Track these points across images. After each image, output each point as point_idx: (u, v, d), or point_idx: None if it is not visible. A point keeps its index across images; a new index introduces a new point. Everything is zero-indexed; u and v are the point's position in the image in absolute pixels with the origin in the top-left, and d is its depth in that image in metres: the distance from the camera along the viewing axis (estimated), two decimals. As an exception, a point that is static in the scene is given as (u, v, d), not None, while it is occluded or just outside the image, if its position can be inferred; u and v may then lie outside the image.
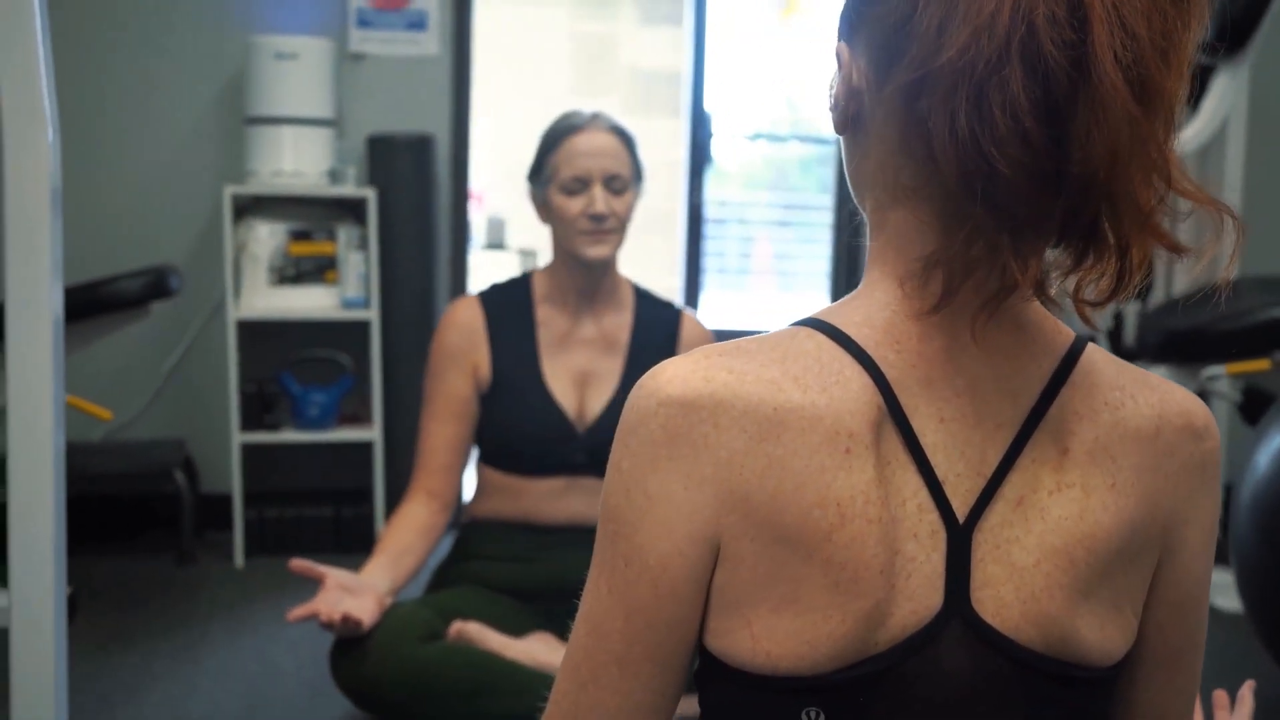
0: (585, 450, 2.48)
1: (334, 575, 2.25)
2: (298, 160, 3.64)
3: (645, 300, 2.62)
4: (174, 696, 2.60)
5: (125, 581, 3.36)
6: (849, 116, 0.94)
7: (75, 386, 3.14)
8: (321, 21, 3.85)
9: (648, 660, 0.91)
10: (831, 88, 0.96)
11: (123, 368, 3.81)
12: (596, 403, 2.51)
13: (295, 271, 3.70)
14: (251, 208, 3.77)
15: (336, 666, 2.30)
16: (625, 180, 2.47)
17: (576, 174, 2.45)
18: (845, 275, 4.47)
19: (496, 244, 6.31)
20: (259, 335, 3.78)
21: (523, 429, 2.47)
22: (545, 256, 7.13)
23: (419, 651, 2.26)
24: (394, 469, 3.80)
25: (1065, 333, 0.94)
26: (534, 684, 2.30)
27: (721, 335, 1.54)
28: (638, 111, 6.98)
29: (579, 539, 2.50)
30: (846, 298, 0.94)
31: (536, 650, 2.39)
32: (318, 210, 3.80)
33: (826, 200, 10.04)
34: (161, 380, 3.88)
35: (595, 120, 2.50)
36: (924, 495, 0.87)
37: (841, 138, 0.97)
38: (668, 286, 4.30)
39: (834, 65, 0.96)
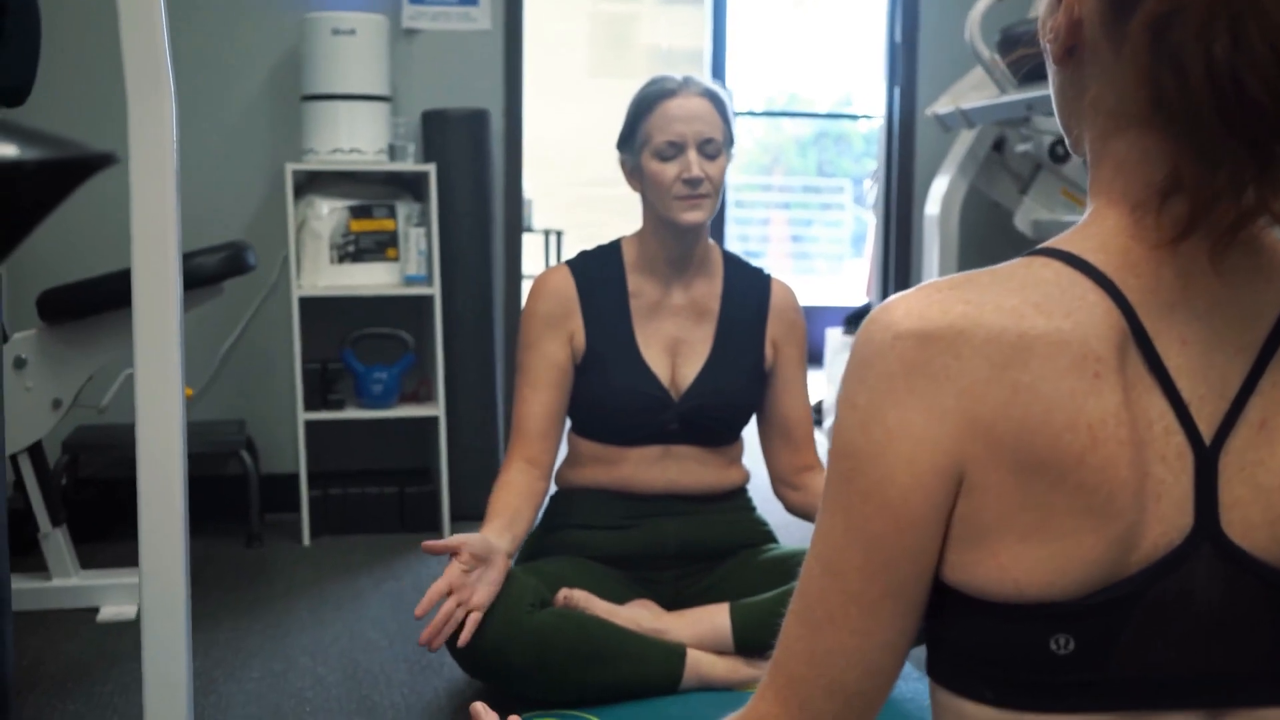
0: (679, 418, 2.48)
1: (467, 546, 2.21)
2: (355, 137, 3.63)
3: (735, 266, 2.61)
4: (275, 672, 2.59)
5: (196, 564, 3.34)
6: (1068, 49, 0.94)
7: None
8: (374, -3, 3.84)
9: (887, 597, 0.91)
10: (1048, 20, 0.95)
11: (181, 349, 3.80)
12: (689, 370, 2.51)
13: (355, 249, 3.69)
14: (306, 185, 3.75)
15: (452, 634, 2.30)
16: (719, 144, 2.46)
17: (670, 139, 2.44)
18: (895, 251, 4.46)
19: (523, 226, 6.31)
20: (317, 313, 3.77)
21: (619, 397, 2.47)
22: (571, 238, 7.13)
23: (534, 619, 2.26)
24: (457, 445, 3.80)
25: None
26: (645, 649, 2.30)
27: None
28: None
29: (675, 506, 2.51)
30: (1073, 228, 0.94)
31: (641, 616, 2.39)
32: (374, 187, 3.79)
33: (826, 182, 10.03)
34: (219, 361, 3.87)
35: (687, 84, 2.49)
36: (1170, 418, 0.88)
37: (1056, 69, 0.97)
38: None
39: None
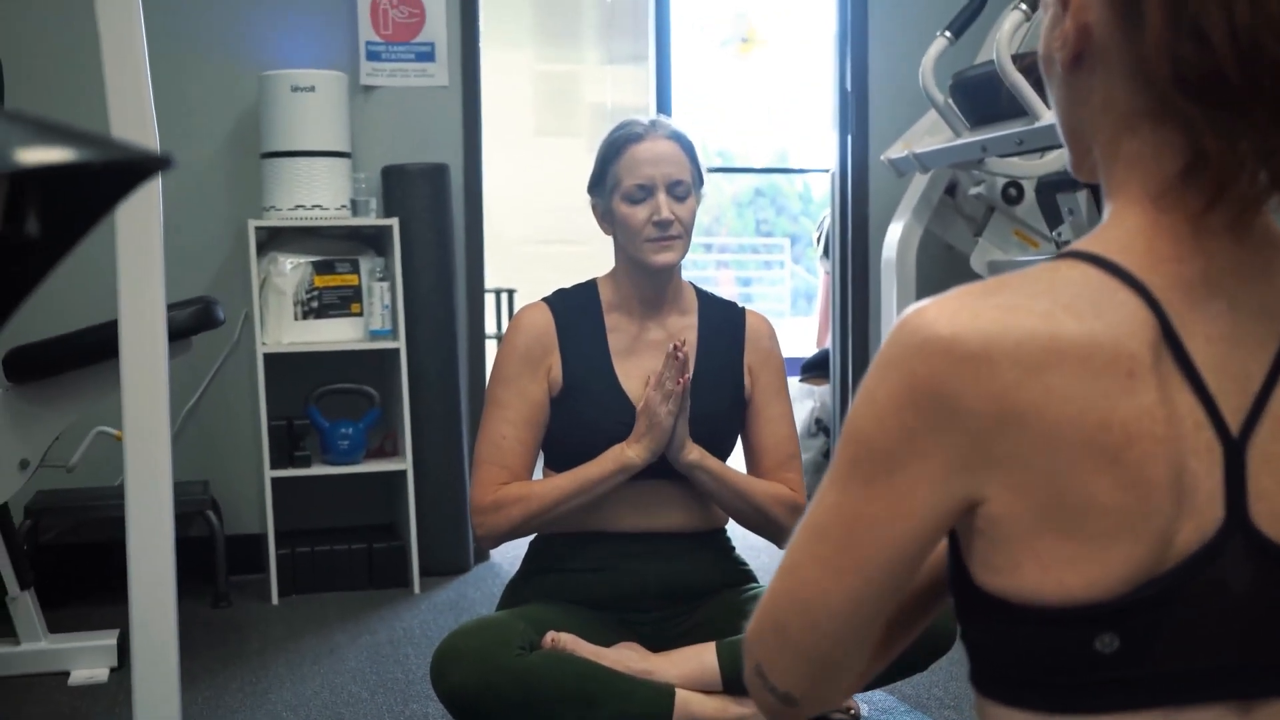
0: (659, 451, 2.48)
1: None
2: (316, 193, 3.64)
3: (709, 302, 2.63)
4: (257, 728, 2.56)
5: (165, 624, 3.30)
6: (1076, 55, 0.94)
7: (108, 422, 3.08)
8: (332, 55, 3.86)
9: (852, 572, 0.92)
10: (1053, 31, 0.96)
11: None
12: (668, 405, 2.51)
13: (319, 304, 3.68)
14: (269, 241, 3.75)
15: (440, 678, 2.29)
16: (688, 185, 2.49)
17: (640, 182, 2.46)
18: (853, 296, 4.51)
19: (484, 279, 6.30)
20: (282, 370, 3.75)
21: (600, 430, 2.46)
22: (523, 297, 7.13)
23: (523, 661, 2.25)
24: (425, 500, 3.78)
25: None
26: (634, 690, 2.30)
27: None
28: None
29: (655, 547, 2.50)
30: (1092, 233, 0.94)
31: (628, 658, 2.39)
32: (336, 242, 3.79)
33: (765, 241, 10.12)
34: (181, 420, 3.83)
35: (655, 127, 2.52)
36: (1199, 413, 0.89)
37: (1063, 79, 0.97)
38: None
39: (1051, 9, 0.96)
